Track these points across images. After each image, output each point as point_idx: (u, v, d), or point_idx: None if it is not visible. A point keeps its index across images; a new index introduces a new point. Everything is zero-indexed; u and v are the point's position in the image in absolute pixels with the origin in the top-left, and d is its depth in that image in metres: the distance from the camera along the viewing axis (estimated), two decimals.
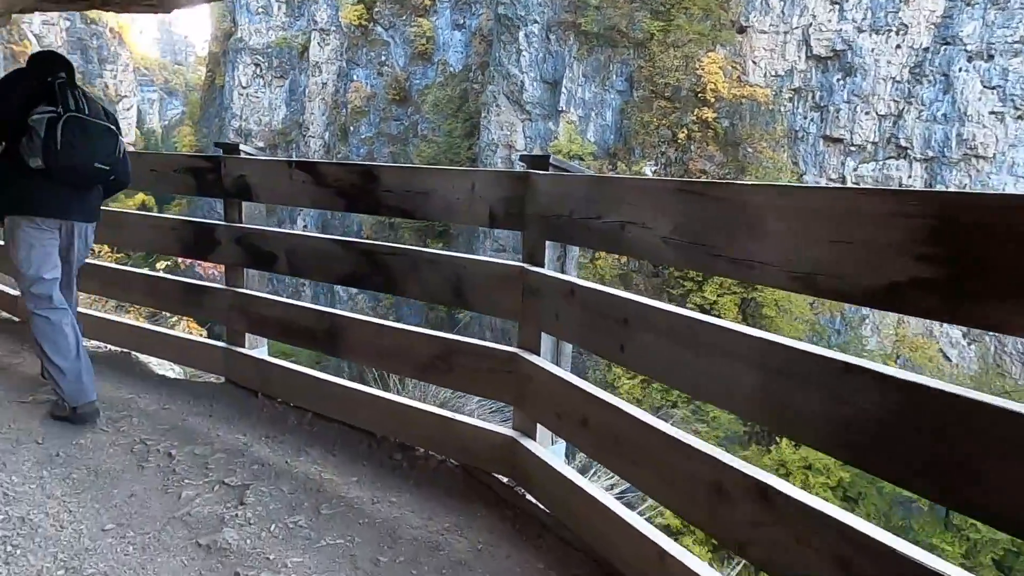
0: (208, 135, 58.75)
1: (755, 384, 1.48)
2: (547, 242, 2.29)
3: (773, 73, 34.92)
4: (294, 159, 3.01)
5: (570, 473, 2.19)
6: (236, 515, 2.30)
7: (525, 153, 3.10)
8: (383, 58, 50.13)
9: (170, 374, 3.62)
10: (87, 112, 2.85)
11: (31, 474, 2.51)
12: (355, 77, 50.14)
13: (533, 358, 2.32)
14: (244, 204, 3.24)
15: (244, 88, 57.16)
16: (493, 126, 41.36)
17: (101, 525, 2.22)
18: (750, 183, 1.49)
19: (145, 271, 3.66)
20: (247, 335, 3.30)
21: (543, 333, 2.32)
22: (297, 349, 3.36)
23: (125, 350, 3.80)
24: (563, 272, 2.34)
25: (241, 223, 3.25)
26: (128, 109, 73.93)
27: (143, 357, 3.73)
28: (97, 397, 2.98)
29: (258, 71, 57.35)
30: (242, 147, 3.21)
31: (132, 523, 2.24)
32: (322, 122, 52.71)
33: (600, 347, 2.02)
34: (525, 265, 2.33)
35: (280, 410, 3.11)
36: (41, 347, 2.91)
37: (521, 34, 40.05)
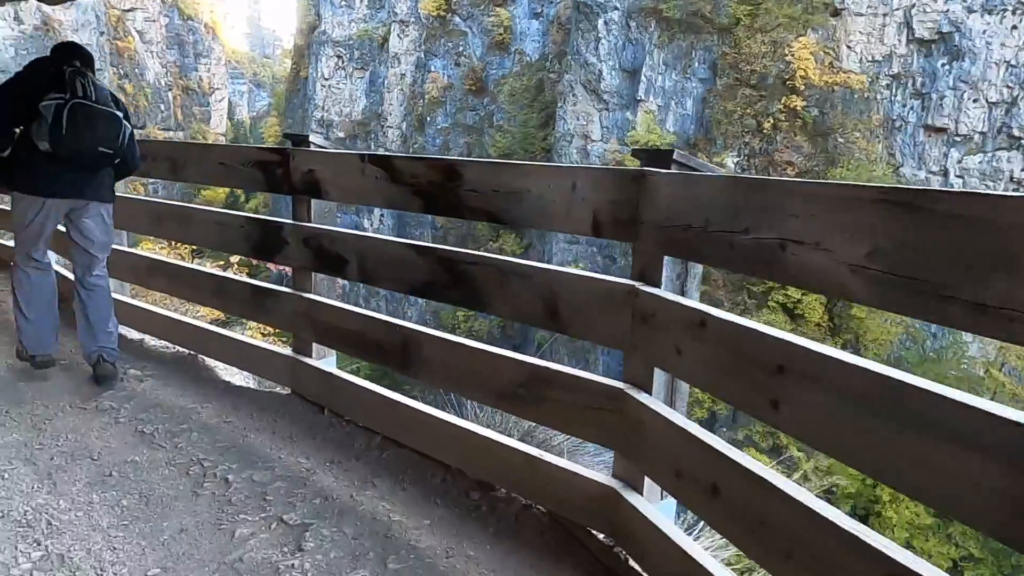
0: (292, 126, 60.80)
1: (1001, 486, 1.01)
2: (665, 257, 1.85)
3: (869, 58, 32.64)
4: (367, 152, 2.68)
5: (689, 545, 1.75)
6: (292, 564, 1.99)
7: (640, 147, 2.66)
8: (460, 48, 50.31)
9: (236, 380, 3.40)
10: (93, 99, 3.02)
11: (80, 498, 2.30)
12: (433, 68, 50.55)
13: (643, 397, 1.90)
14: (313, 202, 2.95)
15: (326, 80, 58.64)
16: (569, 116, 40.72)
17: (145, 569, 1.96)
18: (1001, 193, 0.98)
19: (211, 269, 3.45)
20: (314, 345, 3.03)
21: (656, 368, 1.89)
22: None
23: (192, 352, 3.62)
24: (683, 294, 1.90)
25: (310, 222, 2.97)
26: (220, 101, 77.59)
27: (210, 361, 3.54)
28: (56, 352, 3.30)
29: (340, 63, 58.69)
30: (312, 138, 2.92)
31: (179, 567, 1.98)
32: (400, 113, 53.45)
33: (742, 400, 1.57)
34: (636, 284, 1.91)
35: (347, 431, 2.81)
36: (15, 297, 3.22)
37: (600, 21, 39.16)
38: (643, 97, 38.37)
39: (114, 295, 3.48)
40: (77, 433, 2.73)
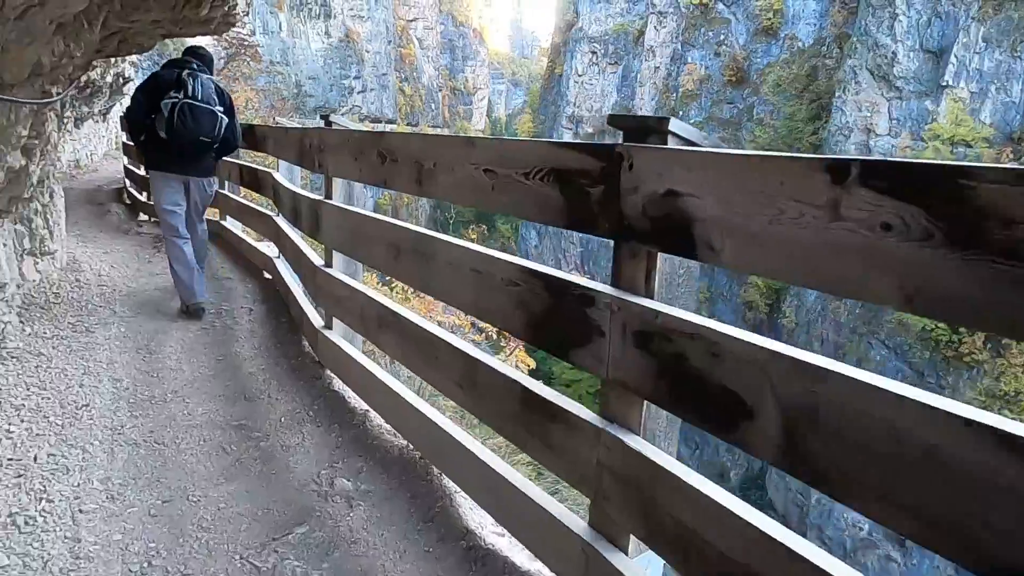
0: (544, 122, 62.49)
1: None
2: None
3: None
4: (840, 158, 1.04)
5: None
6: None
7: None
8: (722, 37, 47.56)
9: (494, 539, 2.03)
10: (200, 98, 3.94)
11: None
12: (689, 59, 48.37)
13: None
14: (663, 258, 1.43)
15: (579, 76, 59.31)
16: (849, 106, 35.54)
17: None
18: None
19: (461, 345, 2.11)
20: (631, 538, 1.51)
21: None
22: None
23: (424, 459, 2.37)
24: None
25: (649, 295, 1.45)
26: (481, 100, 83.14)
27: (450, 484, 2.23)
28: (204, 298, 4.26)
29: (594, 59, 59.03)
30: (672, 125, 1.38)
31: None
32: (651, 107, 52.27)
33: None
34: None
35: None
36: (170, 260, 4.20)
37: None
38: (951, 82, 32.09)
39: (342, 346, 2.85)
40: None
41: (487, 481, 2.00)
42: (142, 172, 7.08)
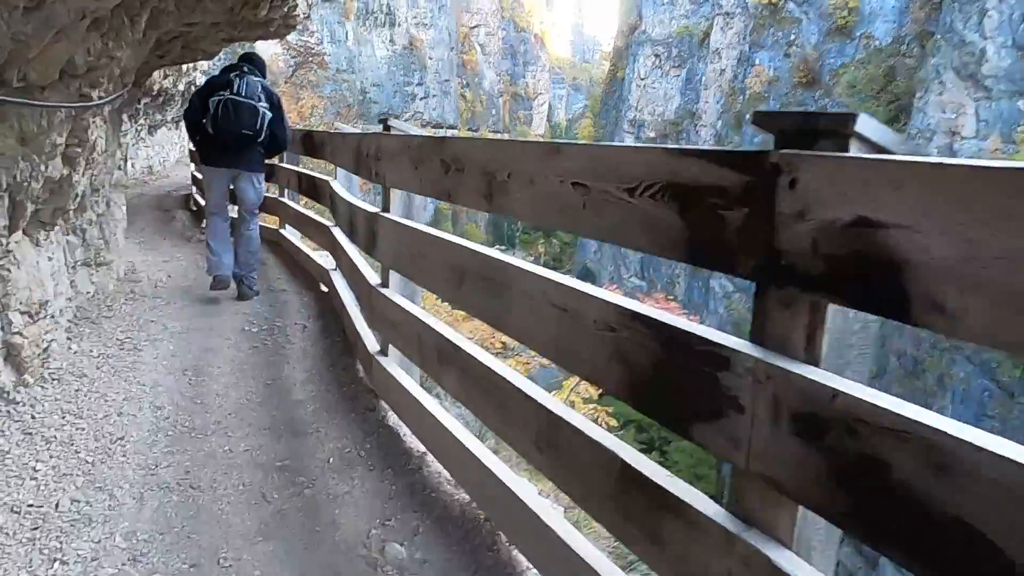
0: (605, 126, 61.83)
1: None
2: None
3: None
4: None
5: None
6: None
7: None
8: (792, 37, 45.86)
9: None
10: (244, 95, 4.32)
11: None
12: (757, 61, 46.82)
13: None
14: (836, 312, 1.02)
15: (642, 79, 58.54)
16: (931, 108, 33.44)
17: None
18: None
19: (538, 395, 1.73)
20: None
21: None
22: None
23: (488, 520, 2.00)
24: None
25: (814, 363, 1.04)
26: (541, 105, 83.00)
27: (519, 557, 1.86)
28: (230, 274, 4.60)
29: (657, 62, 58.21)
30: (860, 128, 0.97)
31: None
32: (715, 111, 51.07)
33: None
34: None
35: None
36: (207, 237, 4.62)
37: None
38: None
39: (397, 376, 2.58)
40: None
41: (570, 567, 1.61)
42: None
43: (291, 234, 6.22)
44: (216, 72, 4.98)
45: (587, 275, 48.23)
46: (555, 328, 1.61)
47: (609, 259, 52.90)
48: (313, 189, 5.34)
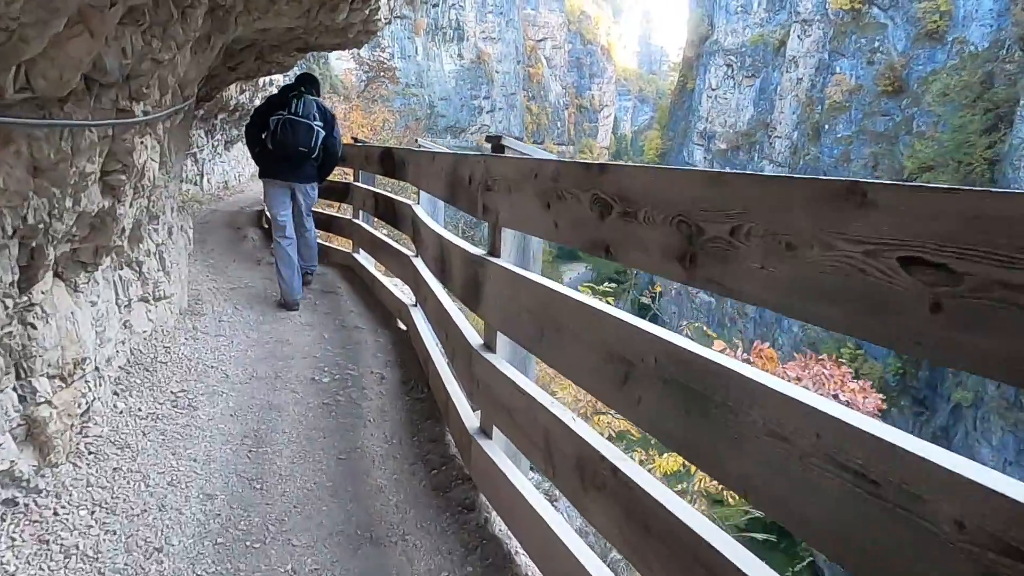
0: (674, 138, 60.45)
1: None
2: None
3: None
4: None
5: None
6: None
7: None
8: (876, 44, 43.80)
9: None
10: (300, 114, 4.64)
11: None
12: (838, 69, 44.90)
13: None
14: None
15: (713, 90, 57.08)
16: None
17: None
18: None
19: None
20: None
21: None
22: None
23: None
24: None
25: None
26: (607, 117, 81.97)
27: None
28: (301, 298, 4.82)
29: (729, 72, 56.73)
30: None
31: None
32: (791, 121, 49.16)
33: None
34: None
35: None
36: (276, 260, 4.82)
37: None
38: None
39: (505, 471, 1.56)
40: None
41: None
42: None
43: (365, 259, 5.69)
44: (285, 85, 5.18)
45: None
46: (780, 471, 0.89)
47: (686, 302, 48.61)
48: (391, 213, 4.79)
